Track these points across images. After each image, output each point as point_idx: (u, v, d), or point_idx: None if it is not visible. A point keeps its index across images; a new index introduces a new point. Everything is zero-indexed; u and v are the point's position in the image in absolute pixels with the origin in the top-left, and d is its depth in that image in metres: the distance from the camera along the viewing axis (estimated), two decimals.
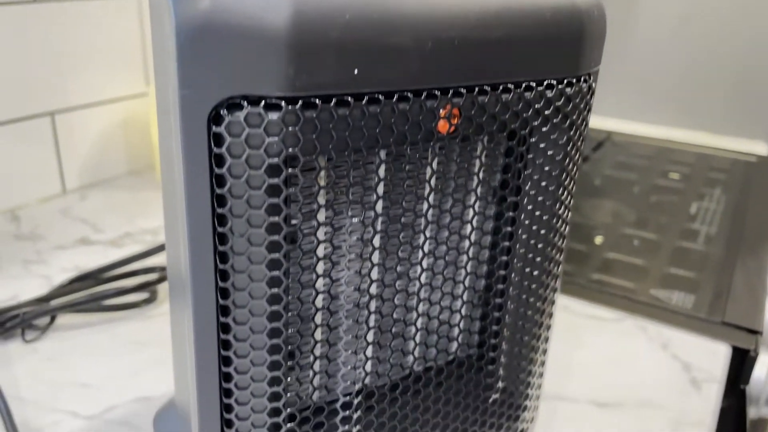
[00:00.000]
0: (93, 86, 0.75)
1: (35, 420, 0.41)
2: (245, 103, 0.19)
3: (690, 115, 1.10)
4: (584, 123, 0.27)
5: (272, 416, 0.23)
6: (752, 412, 0.54)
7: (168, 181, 0.21)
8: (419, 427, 0.27)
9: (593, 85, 0.27)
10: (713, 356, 0.50)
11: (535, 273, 0.28)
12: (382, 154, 0.23)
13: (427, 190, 0.25)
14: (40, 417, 0.41)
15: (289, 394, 0.24)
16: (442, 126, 0.22)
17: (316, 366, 0.25)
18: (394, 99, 0.21)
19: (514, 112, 0.24)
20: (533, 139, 0.26)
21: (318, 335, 0.25)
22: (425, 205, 0.25)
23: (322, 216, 0.22)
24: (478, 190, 0.26)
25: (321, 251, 0.23)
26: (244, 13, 0.18)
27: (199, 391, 0.22)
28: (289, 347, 0.23)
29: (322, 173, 0.22)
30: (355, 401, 0.26)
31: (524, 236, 0.28)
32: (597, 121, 1.12)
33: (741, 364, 0.51)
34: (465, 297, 0.28)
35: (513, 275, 0.28)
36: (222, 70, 0.18)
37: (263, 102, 0.19)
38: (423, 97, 0.21)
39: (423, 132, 0.22)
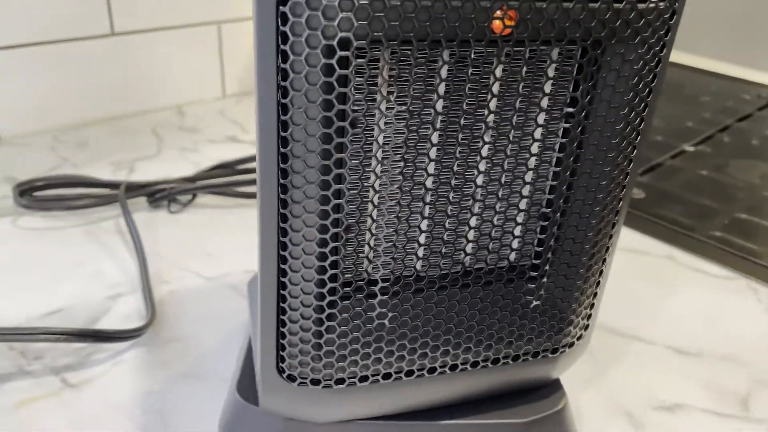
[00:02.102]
0: None
1: (166, 273, 0.48)
2: None
3: None
4: (663, 46, 0.27)
5: (320, 287, 0.27)
6: None
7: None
8: (465, 318, 0.30)
9: (677, 5, 0.26)
10: None
11: (599, 196, 0.29)
12: (446, 54, 0.25)
13: (489, 96, 0.26)
14: (170, 272, 0.48)
15: (339, 269, 0.27)
16: (497, 27, 0.24)
17: (371, 243, 0.28)
18: None
19: (576, 21, 0.24)
20: (604, 57, 0.26)
21: (374, 215, 0.28)
22: (486, 111, 0.26)
23: (383, 105, 0.25)
24: (544, 103, 0.27)
25: (380, 138, 0.26)
26: None
27: (261, 256, 0.26)
28: (342, 226, 0.26)
29: (386, 66, 0.24)
30: (401, 281, 0.29)
31: (590, 157, 0.28)
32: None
33: None
34: (522, 206, 0.29)
35: (575, 194, 0.29)
36: None
37: None
38: None
39: (475, 30, 0.23)
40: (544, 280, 0.30)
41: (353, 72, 0.23)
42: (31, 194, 0.53)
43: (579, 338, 0.33)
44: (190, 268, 0.49)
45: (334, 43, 0.22)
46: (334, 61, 0.23)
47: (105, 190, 0.55)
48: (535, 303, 0.30)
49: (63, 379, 0.38)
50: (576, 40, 0.25)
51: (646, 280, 0.51)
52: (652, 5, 0.25)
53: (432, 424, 0.33)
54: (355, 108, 0.24)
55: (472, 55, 0.25)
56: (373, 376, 0.30)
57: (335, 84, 0.23)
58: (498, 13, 0.23)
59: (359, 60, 0.23)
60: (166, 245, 0.51)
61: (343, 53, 0.23)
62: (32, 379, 0.38)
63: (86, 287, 0.46)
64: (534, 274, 0.30)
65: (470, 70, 0.25)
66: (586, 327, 0.33)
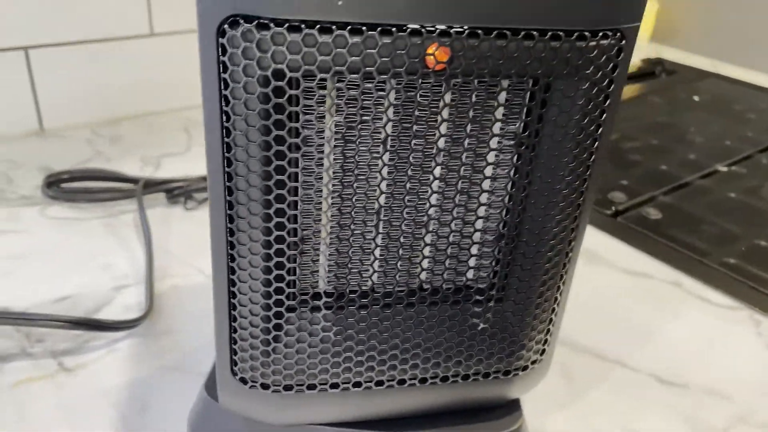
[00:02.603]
0: None
1: (172, 268, 0.51)
2: (243, 22, 0.23)
3: None
4: (610, 82, 0.27)
5: (267, 298, 0.28)
6: None
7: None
8: (411, 335, 0.30)
9: (624, 43, 0.26)
10: None
11: (549, 225, 0.29)
12: (393, 81, 0.26)
13: (440, 119, 0.27)
14: (176, 267, 0.51)
15: (285, 282, 0.28)
16: (431, 62, 0.24)
17: (322, 259, 0.30)
18: (378, 30, 0.23)
19: (510, 59, 0.25)
20: (547, 93, 0.26)
21: (324, 232, 0.29)
22: (437, 134, 0.27)
23: (331, 127, 0.26)
24: (496, 128, 0.28)
25: (330, 157, 0.27)
26: None
27: (213, 265, 0.28)
28: (289, 242, 0.28)
29: (332, 92, 0.25)
30: (345, 297, 0.30)
31: (538, 188, 0.29)
32: None
33: None
34: (478, 226, 0.30)
35: (525, 222, 0.29)
36: None
37: (256, 22, 0.23)
38: (407, 32, 0.24)
39: (408, 65, 0.24)
40: (491, 303, 0.31)
41: (288, 101, 0.25)
42: (59, 185, 0.57)
43: (534, 362, 0.33)
44: (196, 264, 0.51)
45: (269, 73, 0.24)
46: (269, 90, 0.24)
47: (127, 185, 0.59)
48: (482, 326, 0.31)
49: (60, 363, 0.41)
50: (512, 75, 0.26)
51: (645, 304, 0.50)
52: (593, 43, 0.25)
53: None
54: (300, 131, 0.26)
55: (420, 82, 0.26)
56: (321, 385, 0.31)
57: (272, 111, 0.24)
58: (431, 49, 0.24)
59: (292, 91, 0.24)
60: (177, 241, 0.54)
61: (277, 83, 0.24)
62: (32, 361, 0.41)
63: (96, 277, 0.49)
64: (480, 297, 0.31)
65: (419, 97, 0.26)
66: (542, 351, 0.33)
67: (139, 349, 0.43)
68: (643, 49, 1.16)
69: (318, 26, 0.23)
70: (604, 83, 0.27)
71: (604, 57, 0.26)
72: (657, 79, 1.06)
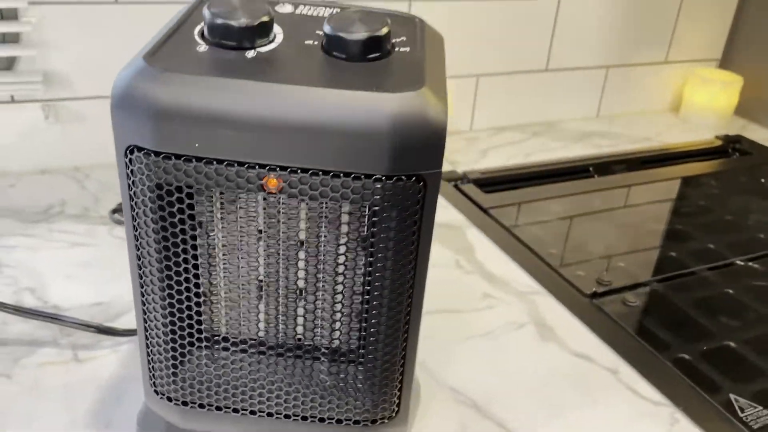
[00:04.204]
0: None
1: None
2: (136, 150, 0.34)
3: None
4: (420, 216, 0.34)
5: (166, 336, 0.39)
6: None
7: None
8: (275, 380, 0.40)
9: (423, 184, 0.34)
10: None
11: (386, 305, 0.37)
12: (260, 197, 0.36)
13: (301, 225, 0.36)
14: None
15: (179, 326, 0.39)
16: (267, 187, 0.34)
17: (222, 311, 0.40)
18: (224, 164, 0.33)
19: (326, 189, 0.33)
20: (374, 214, 0.35)
21: (222, 293, 0.39)
22: (297, 229, 0.37)
23: (213, 226, 0.37)
24: (344, 229, 0.37)
25: (219, 243, 0.37)
26: (139, 99, 0.33)
27: (135, 303, 0.39)
28: (186, 296, 0.38)
29: (214, 200, 0.36)
30: (222, 342, 0.40)
31: (378, 282, 0.37)
32: None
33: None
34: (341, 303, 0.39)
35: (372, 301, 0.38)
36: (127, 128, 0.33)
37: (144, 151, 0.33)
38: (245, 167, 0.33)
39: (248, 187, 0.34)
40: (344, 363, 0.39)
41: (169, 204, 0.35)
42: (121, 212, 0.72)
43: (385, 417, 0.41)
44: None
45: (153, 184, 0.34)
46: (155, 195, 0.35)
47: None
48: (329, 381, 0.40)
49: (75, 354, 0.54)
50: (337, 199, 0.34)
51: (572, 388, 0.55)
52: (400, 183, 0.33)
53: None
54: (183, 222, 0.36)
55: (269, 199, 0.35)
56: (208, 406, 0.41)
57: (157, 209, 0.35)
58: (265, 178, 0.34)
59: (169, 199, 0.35)
60: None
61: (159, 191, 0.34)
62: (57, 349, 0.55)
63: (125, 291, 0.62)
64: (335, 357, 0.40)
65: (280, 205, 0.36)
66: (395, 411, 0.41)
67: (136, 353, 0.55)
68: (723, 124, 1.14)
69: (183, 158, 0.33)
70: (415, 213, 0.34)
71: (410, 193, 0.34)
72: (729, 158, 1.04)
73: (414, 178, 0.34)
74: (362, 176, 0.33)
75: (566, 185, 0.90)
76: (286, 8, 0.40)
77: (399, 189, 0.34)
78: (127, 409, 0.49)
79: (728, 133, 1.10)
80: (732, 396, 0.55)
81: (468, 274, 0.68)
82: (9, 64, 0.76)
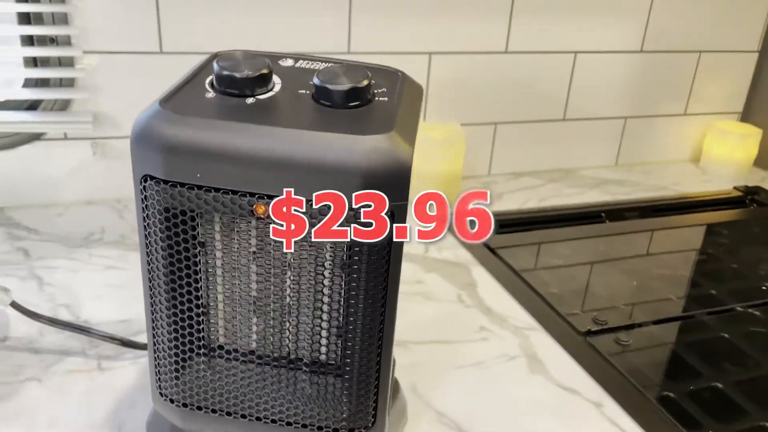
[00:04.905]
0: None
1: None
2: (149, 179, 0.40)
3: None
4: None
5: (171, 343, 0.44)
6: None
7: None
8: (263, 389, 0.44)
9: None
10: None
11: (361, 325, 0.42)
12: (253, 221, 0.41)
13: (287, 253, 0.42)
14: None
15: (183, 336, 0.44)
16: (257, 212, 0.39)
17: (221, 324, 0.45)
18: (221, 192, 0.39)
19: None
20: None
21: (221, 306, 0.44)
22: (287, 255, 0.42)
23: (213, 247, 0.42)
24: (329, 255, 0.42)
25: (219, 263, 0.43)
26: (153, 135, 0.39)
27: (146, 315, 0.45)
28: (188, 307, 0.43)
29: (215, 224, 0.41)
30: (217, 352, 0.45)
31: (353, 300, 0.42)
32: None
33: None
34: (321, 319, 0.44)
35: (350, 319, 0.42)
36: (143, 160, 0.40)
37: (155, 179, 0.39)
38: (238, 195, 0.39)
39: (240, 213, 0.39)
40: (325, 376, 0.44)
41: (175, 225, 0.41)
42: None
43: (364, 427, 0.45)
44: None
45: (162, 208, 0.40)
46: (163, 218, 0.41)
47: None
48: (310, 390, 0.44)
49: (99, 364, 0.60)
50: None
51: (554, 418, 0.58)
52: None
53: None
54: (187, 241, 0.42)
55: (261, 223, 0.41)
56: (205, 409, 0.46)
57: (165, 229, 0.41)
58: (256, 204, 0.39)
59: (175, 220, 0.41)
60: None
61: (166, 214, 0.40)
62: (84, 359, 0.61)
63: None
64: (316, 369, 0.44)
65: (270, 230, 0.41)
66: (371, 422, 0.45)
67: None
68: (743, 175, 1.15)
69: (187, 186, 0.39)
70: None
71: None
72: (745, 209, 1.06)
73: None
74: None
75: (576, 229, 0.94)
76: (288, 62, 0.46)
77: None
78: (139, 414, 0.54)
79: (747, 184, 1.12)
80: None
81: (467, 308, 0.72)
82: (64, 105, 0.86)
